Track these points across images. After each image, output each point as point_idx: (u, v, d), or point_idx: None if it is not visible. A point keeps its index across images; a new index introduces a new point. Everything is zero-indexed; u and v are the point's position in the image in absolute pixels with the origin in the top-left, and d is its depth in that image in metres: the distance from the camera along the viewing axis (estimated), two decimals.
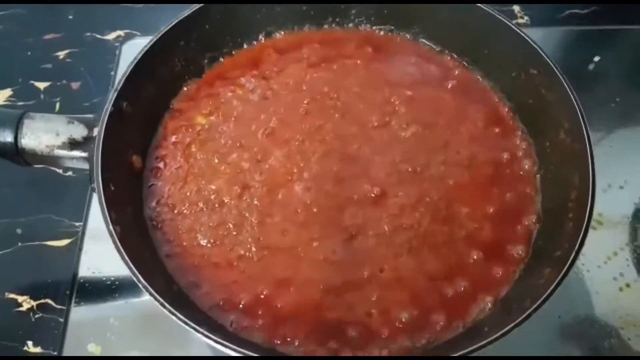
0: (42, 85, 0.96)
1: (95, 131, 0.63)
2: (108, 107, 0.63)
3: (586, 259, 0.75)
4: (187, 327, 0.52)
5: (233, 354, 0.52)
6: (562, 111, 0.65)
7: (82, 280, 0.76)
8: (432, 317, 0.59)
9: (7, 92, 0.94)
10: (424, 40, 0.81)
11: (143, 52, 0.68)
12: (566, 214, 0.60)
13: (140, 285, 0.54)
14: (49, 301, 0.75)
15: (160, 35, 0.69)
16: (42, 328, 0.73)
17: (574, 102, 0.63)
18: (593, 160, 0.60)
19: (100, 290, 0.75)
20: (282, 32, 0.81)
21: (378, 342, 0.58)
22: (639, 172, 0.83)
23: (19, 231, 0.80)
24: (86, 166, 0.63)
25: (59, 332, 0.72)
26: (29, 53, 1.00)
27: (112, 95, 0.64)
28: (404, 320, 0.58)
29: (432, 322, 0.58)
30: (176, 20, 0.71)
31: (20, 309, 0.74)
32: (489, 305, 0.59)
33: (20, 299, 0.75)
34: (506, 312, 0.56)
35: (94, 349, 0.71)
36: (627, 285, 0.75)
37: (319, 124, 0.71)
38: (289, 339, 0.58)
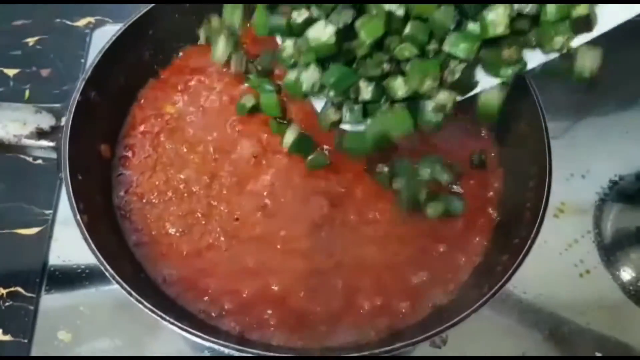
0: (11, 72, 0.95)
1: (63, 121, 0.63)
2: (76, 96, 0.63)
3: (548, 246, 0.76)
4: (154, 315, 0.53)
5: (200, 341, 0.53)
6: (523, 105, 0.66)
7: (52, 269, 0.76)
8: (395, 304, 0.60)
9: None
10: None
11: (111, 41, 0.68)
12: (525, 204, 0.62)
13: (107, 274, 0.54)
14: (19, 289, 0.75)
15: (128, 24, 0.69)
16: (12, 316, 0.73)
17: (534, 95, 0.65)
18: (550, 150, 0.62)
19: (71, 278, 0.76)
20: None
21: (343, 329, 0.59)
22: (601, 162, 0.86)
23: None
24: (54, 155, 0.63)
25: (29, 319, 0.73)
26: None
27: (80, 85, 0.64)
28: (367, 307, 0.60)
29: (394, 309, 0.60)
30: (145, 9, 0.71)
31: None
32: (449, 292, 0.61)
33: None
34: (465, 298, 0.58)
35: (64, 337, 0.71)
36: (587, 272, 0.78)
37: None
38: (255, 327, 0.59)
